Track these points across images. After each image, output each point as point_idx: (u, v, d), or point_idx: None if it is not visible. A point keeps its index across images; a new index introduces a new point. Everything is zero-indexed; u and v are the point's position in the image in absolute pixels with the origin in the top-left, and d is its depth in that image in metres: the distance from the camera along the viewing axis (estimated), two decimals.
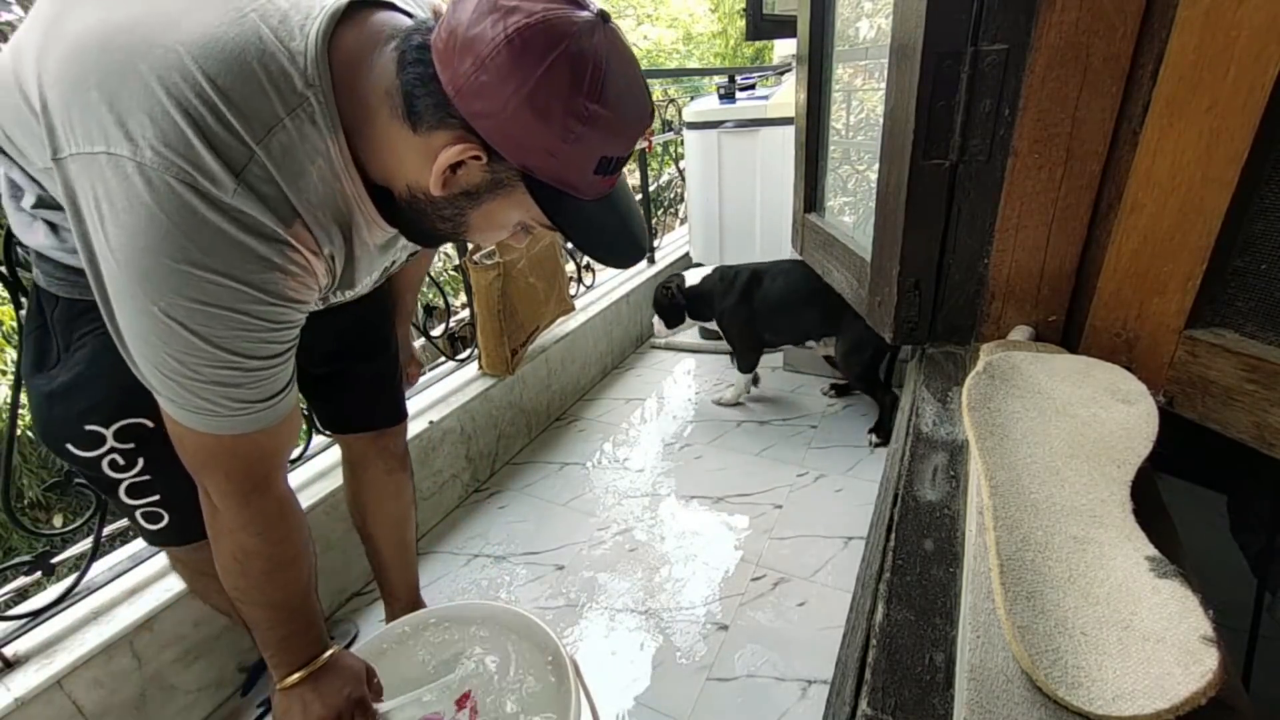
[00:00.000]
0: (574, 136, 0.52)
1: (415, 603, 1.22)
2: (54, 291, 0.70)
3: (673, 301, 2.10)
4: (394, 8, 0.60)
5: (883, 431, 1.90)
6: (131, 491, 0.78)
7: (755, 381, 2.18)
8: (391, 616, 1.22)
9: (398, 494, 1.14)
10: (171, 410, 0.59)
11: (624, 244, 0.64)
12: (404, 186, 0.60)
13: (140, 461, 0.77)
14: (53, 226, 0.67)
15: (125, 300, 0.53)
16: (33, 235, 0.68)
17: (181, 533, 0.82)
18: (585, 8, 0.51)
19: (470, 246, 1.78)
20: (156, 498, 0.79)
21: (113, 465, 0.75)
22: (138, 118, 0.49)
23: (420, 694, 0.78)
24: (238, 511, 0.65)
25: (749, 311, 1.97)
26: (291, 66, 0.53)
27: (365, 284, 0.77)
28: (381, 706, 0.77)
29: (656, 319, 2.16)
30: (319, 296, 0.66)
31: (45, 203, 0.65)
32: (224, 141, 0.51)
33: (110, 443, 0.74)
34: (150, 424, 0.74)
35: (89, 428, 0.73)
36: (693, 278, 2.10)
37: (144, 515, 0.80)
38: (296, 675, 0.72)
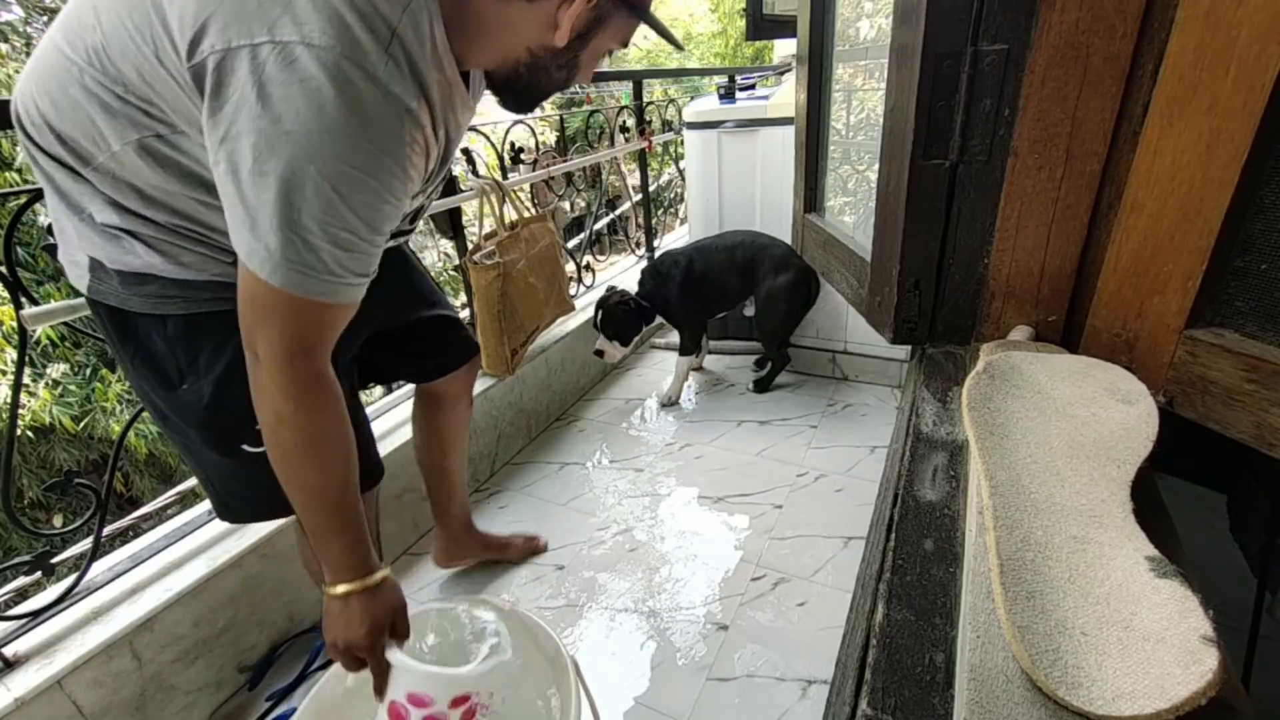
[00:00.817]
0: None
1: (470, 525, 1.42)
2: (161, 313, 0.75)
3: (637, 308, 2.12)
4: None
5: (762, 386, 2.20)
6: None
7: (700, 365, 2.41)
8: (449, 545, 1.40)
9: (467, 425, 1.33)
10: (267, 269, 0.62)
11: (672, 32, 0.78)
12: (525, 52, 0.72)
13: None
14: (149, 245, 0.71)
15: (278, 166, 0.58)
16: (133, 259, 0.71)
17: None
18: None
19: (470, 246, 1.78)
20: None
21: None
22: (302, 8, 0.57)
23: (432, 670, 0.77)
24: (279, 370, 0.67)
25: (687, 291, 2.10)
26: None
27: (420, 199, 0.85)
28: (395, 655, 0.75)
29: (611, 343, 2.11)
30: (419, 186, 0.73)
31: (124, 207, 0.69)
32: (373, 23, 0.59)
33: None
34: None
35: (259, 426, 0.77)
36: (636, 287, 2.20)
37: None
38: (343, 588, 0.74)
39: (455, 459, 1.31)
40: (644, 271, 2.19)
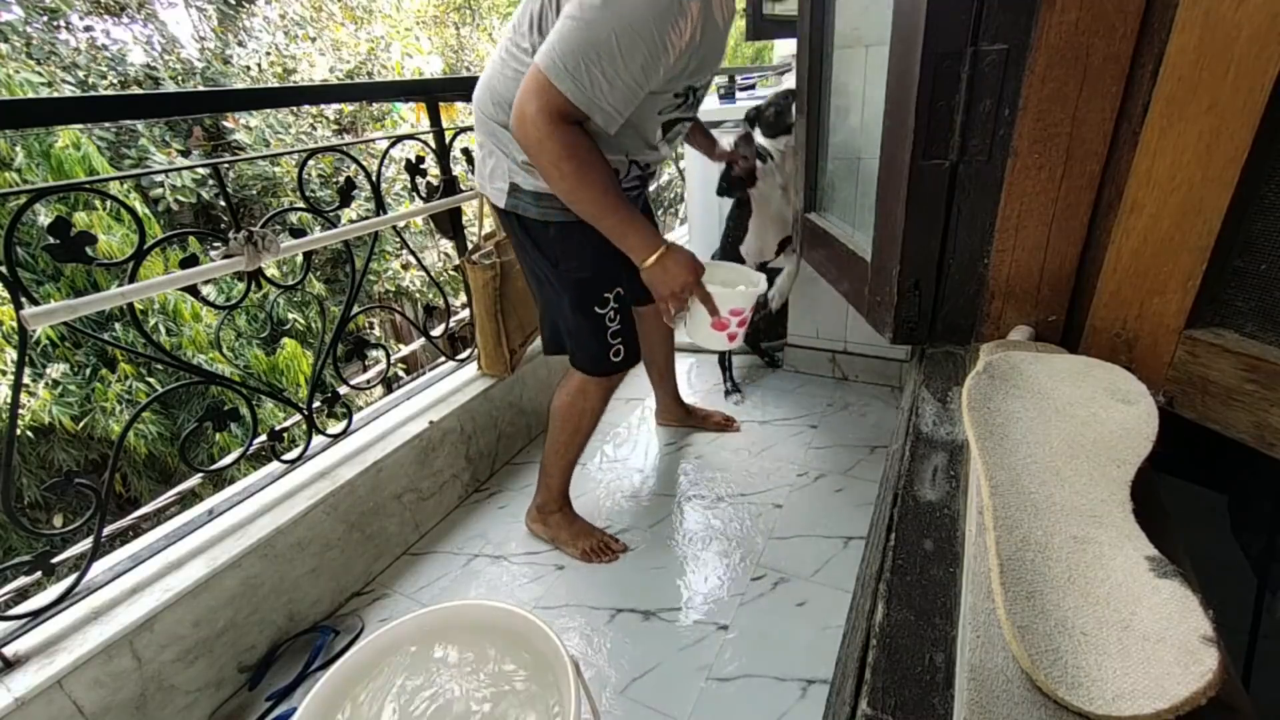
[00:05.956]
0: None
1: (678, 397, 1.94)
2: (547, 219, 1.17)
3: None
4: None
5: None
6: (613, 335, 1.28)
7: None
8: (663, 408, 1.96)
9: (663, 330, 1.77)
10: (557, 77, 0.92)
11: None
12: None
13: (619, 315, 1.27)
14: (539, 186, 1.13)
15: (604, 30, 0.90)
16: (540, 183, 1.12)
17: (629, 361, 1.33)
18: None
19: (470, 246, 1.78)
20: (622, 339, 1.30)
21: (608, 318, 1.26)
22: None
23: (740, 290, 1.17)
24: (550, 128, 0.95)
25: None
26: None
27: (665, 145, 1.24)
28: (710, 287, 1.12)
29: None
30: (674, 58, 0.98)
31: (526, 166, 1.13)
32: None
33: (611, 303, 1.25)
34: (622, 290, 1.27)
35: (605, 294, 1.24)
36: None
37: (614, 352, 1.30)
38: (653, 257, 1.08)
39: (660, 353, 1.81)
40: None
